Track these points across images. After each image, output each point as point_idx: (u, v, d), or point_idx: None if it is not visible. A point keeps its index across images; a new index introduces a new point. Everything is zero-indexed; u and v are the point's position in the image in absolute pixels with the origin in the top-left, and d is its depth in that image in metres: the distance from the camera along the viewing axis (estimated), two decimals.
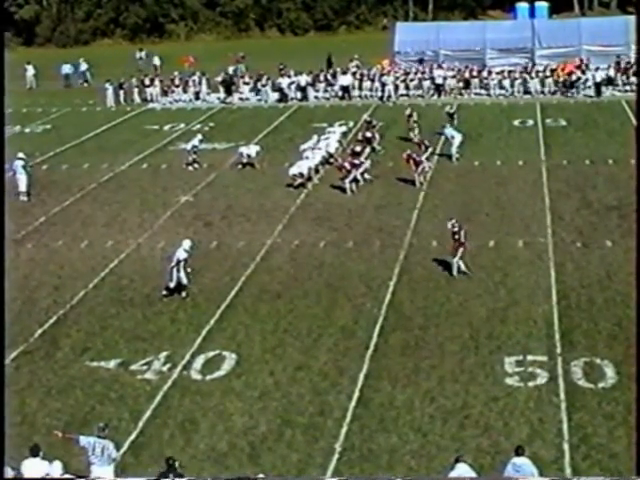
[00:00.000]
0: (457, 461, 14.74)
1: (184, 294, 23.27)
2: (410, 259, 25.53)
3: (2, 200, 17.71)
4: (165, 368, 19.95)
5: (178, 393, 18.90)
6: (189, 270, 23.37)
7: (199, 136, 37.28)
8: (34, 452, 14.92)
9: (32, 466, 14.79)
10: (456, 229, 23.78)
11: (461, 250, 23.75)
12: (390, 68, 50.21)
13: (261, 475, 15.03)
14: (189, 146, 36.30)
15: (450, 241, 24.10)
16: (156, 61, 62.69)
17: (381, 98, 48.55)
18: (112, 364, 20.20)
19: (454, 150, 35.11)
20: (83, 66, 60.94)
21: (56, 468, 14.88)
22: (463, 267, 23.81)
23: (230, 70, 53.52)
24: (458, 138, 35.22)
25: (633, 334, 20.21)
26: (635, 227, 24.15)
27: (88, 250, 27.48)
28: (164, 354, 20.54)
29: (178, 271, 23.05)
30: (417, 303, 22.65)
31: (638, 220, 24.80)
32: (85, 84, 59.63)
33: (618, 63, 48.88)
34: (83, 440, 15.22)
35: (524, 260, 25.04)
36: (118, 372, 19.86)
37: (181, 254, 23.15)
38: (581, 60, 49.79)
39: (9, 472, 14.57)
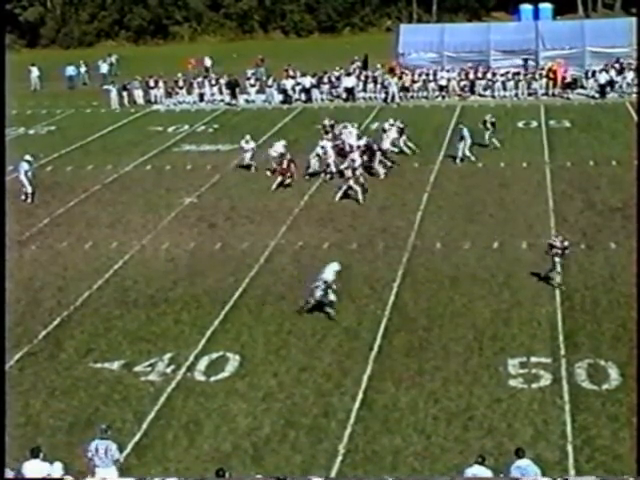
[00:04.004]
0: (478, 462, 14.65)
1: (332, 312, 22.06)
2: (414, 260, 25.53)
3: (2, 200, 17.76)
4: (169, 369, 19.95)
5: (182, 394, 18.90)
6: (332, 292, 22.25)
7: (283, 142, 35.79)
8: (34, 453, 14.92)
9: (33, 467, 14.79)
10: (566, 244, 23.16)
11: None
12: (398, 71, 50.09)
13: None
14: (273, 152, 34.77)
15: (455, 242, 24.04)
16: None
17: (385, 100, 48.59)
18: (116, 365, 20.21)
19: (467, 152, 35.08)
20: (83, 68, 61.12)
21: (57, 469, 14.88)
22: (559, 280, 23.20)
23: (249, 73, 53.45)
24: (469, 141, 35.08)
25: (637, 336, 20.29)
26: (637, 228, 24.24)
27: (92, 251, 27.51)
28: (168, 355, 20.55)
29: (323, 292, 21.87)
30: (421, 304, 22.65)
31: (639, 221, 24.86)
32: (84, 85, 59.86)
33: (620, 64, 48.84)
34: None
35: (528, 261, 25.02)
36: (122, 373, 19.87)
37: (329, 276, 22.11)
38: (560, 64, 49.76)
39: (9, 474, 14.59)
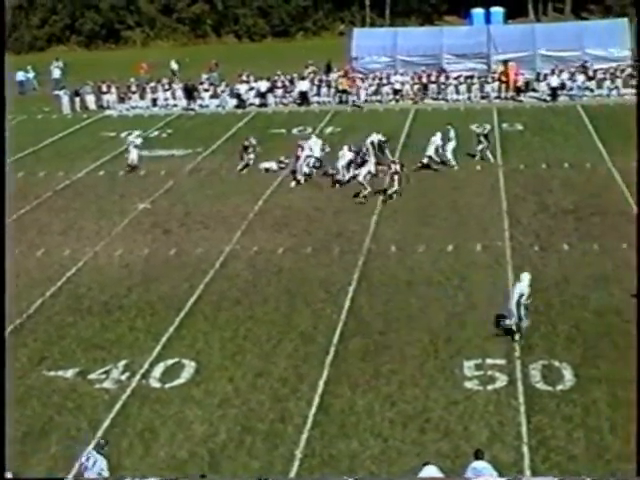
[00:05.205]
0: (425, 464, 14.80)
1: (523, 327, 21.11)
2: (369, 264, 25.57)
3: (2, 200, 17.61)
4: (124, 377, 19.80)
5: (137, 402, 18.76)
6: None
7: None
8: None
9: None
10: None
11: None
12: (352, 83, 50.06)
13: None
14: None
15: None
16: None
17: (353, 103, 48.44)
18: (70, 373, 20.02)
19: (449, 155, 35.02)
20: (31, 74, 60.54)
21: None
22: None
23: (203, 77, 53.25)
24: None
25: (591, 336, 20.49)
26: (637, 228, 24.46)
27: (45, 258, 27.23)
28: (122, 362, 20.39)
29: (519, 307, 20.47)
30: (376, 308, 22.68)
31: (639, 221, 25.09)
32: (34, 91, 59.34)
33: (584, 67, 49.38)
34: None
35: (482, 264, 25.18)
36: (76, 381, 19.68)
37: (524, 289, 20.47)
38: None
39: None
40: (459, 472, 15.20)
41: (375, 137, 34.95)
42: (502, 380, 18.89)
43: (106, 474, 15.19)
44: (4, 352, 17.61)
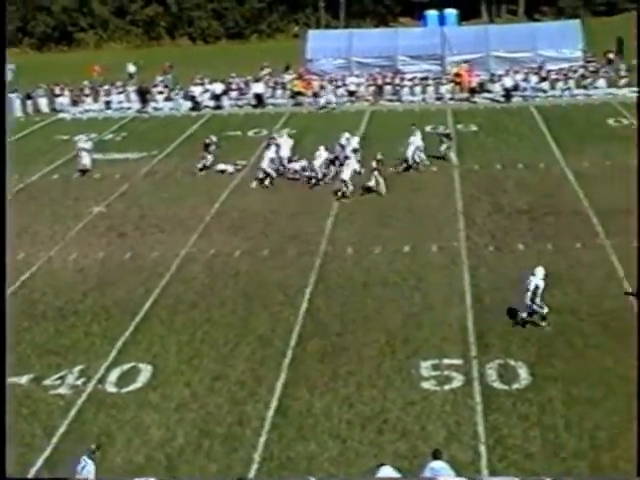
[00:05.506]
0: (380, 466, 14.85)
1: (544, 323, 21.21)
2: (326, 266, 25.58)
3: (3, 200, 17.43)
4: (79, 382, 19.64)
5: (93, 407, 18.63)
6: None
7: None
8: None
9: None
10: None
11: None
12: (307, 86, 49.99)
13: None
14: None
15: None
16: None
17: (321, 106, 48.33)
18: (24, 379, 19.83)
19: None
20: None
21: None
22: None
23: (157, 80, 52.93)
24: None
25: (546, 335, 20.66)
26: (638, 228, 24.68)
27: None
28: (78, 368, 20.24)
29: (534, 299, 20.91)
30: (334, 310, 22.69)
31: (639, 221, 25.29)
32: None
33: (540, 68, 49.79)
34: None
35: (438, 264, 25.30)
36: (31, 387, 19.51)
37: (539, 282, 20.83)
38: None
39: None
40: (417, 472, 15.25)
41: (350, 137, 35.26)
42: (459, 380, 18.99)
43: (92, 477, 15.14)
44: (4, 352, 17.45)
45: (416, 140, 35.10)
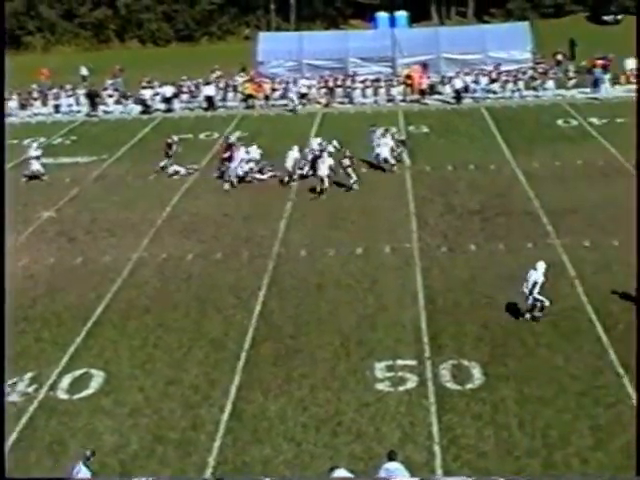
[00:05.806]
0: (333, 468, 14.85)
1: (539, 315, 21.41)
2: (279, 269, 25.54)
3: (2, 199, 17.20)
4: (30, 389, 19.42)
5: (45, 414, 18.42)
6: None
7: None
8: None
9: None
10: None
11: None
12: (258, 88, 49.84)
13: None
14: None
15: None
16: None
17: (291, 109, 48.04)
18: None
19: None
20: None
21: None
22: None
23: (107, 83, 52.47)
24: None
25: (498, 335, 20.81)
26: (637, 228, 24.82)
27: None
28: (29, 375, 20.00)
29: (537, 293, 21.15)
30: (287, 312, 22.66)
31: (639, 220, 25.45)
32: None
33: (497, 70, 50.08)
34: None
35: (391, 266, 25.37)
36: None
37: (539, 277, 21.13)
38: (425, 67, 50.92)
39: None
40: (372, 473, 15.26)
41: (322, 142, 35.33)
42: (413, 381, 19.06)
43: None
44: (3, 351, 17.21)
45: (388, 141, 35.41)
